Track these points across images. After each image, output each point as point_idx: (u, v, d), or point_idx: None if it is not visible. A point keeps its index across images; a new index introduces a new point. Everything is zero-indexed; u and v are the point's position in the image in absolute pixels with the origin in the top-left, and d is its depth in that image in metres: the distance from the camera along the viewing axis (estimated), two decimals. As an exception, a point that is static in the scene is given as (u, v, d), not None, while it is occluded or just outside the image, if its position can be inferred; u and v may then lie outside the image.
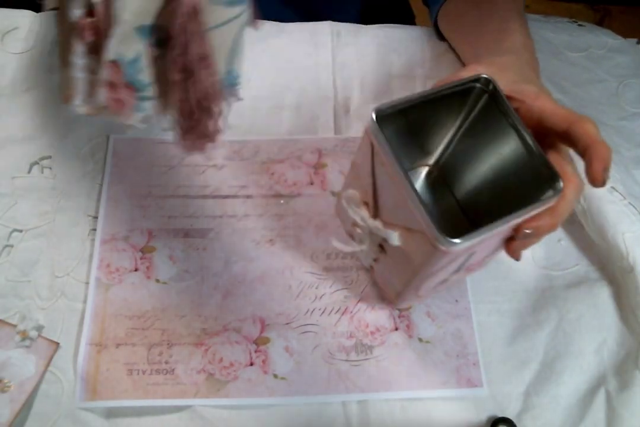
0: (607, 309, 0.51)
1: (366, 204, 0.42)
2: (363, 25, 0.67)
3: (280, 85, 0.62)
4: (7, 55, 0.62)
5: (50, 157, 0.57)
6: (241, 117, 0.60)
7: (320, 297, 0.51)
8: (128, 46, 0.30)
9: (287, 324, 0.50)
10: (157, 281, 0.51)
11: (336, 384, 0.48)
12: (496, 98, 0.39)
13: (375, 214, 0.41)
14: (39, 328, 0.49)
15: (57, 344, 0.48)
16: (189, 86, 0.30)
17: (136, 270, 0.52)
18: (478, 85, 0.40)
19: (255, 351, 0.49)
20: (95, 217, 0.54)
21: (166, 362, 0.48)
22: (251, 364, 0.48)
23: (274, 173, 0.57)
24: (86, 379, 0.47)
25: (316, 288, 0.52)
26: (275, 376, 0.48)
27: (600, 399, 0.47)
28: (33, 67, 0.61)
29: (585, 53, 0.67)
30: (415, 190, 0.35)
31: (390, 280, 0.45)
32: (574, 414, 0.47)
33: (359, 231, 0.43)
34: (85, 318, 0.49)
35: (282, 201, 0.56)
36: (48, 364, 0.47)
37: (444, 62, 0.65)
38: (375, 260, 0.46)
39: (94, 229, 0.53)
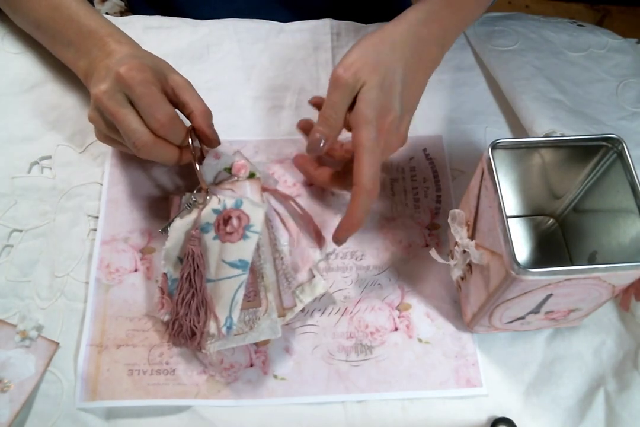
0: (606, 310, 0.51)
1: (468, 224, 0.46)
2: (363, 24, 0.67)
3: (280, 85, 0.62)
4: (7, 55, 0.62)
5: (50, 157, 0.57)
6: (241, 117, 0.60)
7: (320, 298, 0.51)
8: (174, 268, 0.48)
9: (287, 324, 0.50)
10: (157, 281, 0.51)
11: (336, 384, 0.48)
12: (623, 158, 0.42)
13: (472, 236, 0.45)
14: (39, 328, 0.49)
15: (57, 344, 0.48)
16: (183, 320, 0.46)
17: (136, 271, 0.52)
18: (608, 144, 0.42)
19: (256, 352, 0.49)
20: (96, 217, 0.54)
21: (167, 363, 0.48)
22: (251, 365, 0.48)
23: (274, 173, 0.57)
24: (86, 380, 0.47)
25: (316, 288, 0.52)
26: (275, 376, 0.48)
27: (599, 400, 0.48)
28: (33, 67, 0.61)
29: (585, 53, 0.67)
30: (505, 215, 0.38)
31: (470, 300, 0.47)
32: (573, 415, 0.47)
33: (456, 247, 0.46)
34: (85, 319, 0.49)
35: (282, 201, 0.56)
36: (48, 364, 0.47)
37: (444, 60, 0.65)
38: (462, 278, 0.48)
39: (94, 229, 0.53)
